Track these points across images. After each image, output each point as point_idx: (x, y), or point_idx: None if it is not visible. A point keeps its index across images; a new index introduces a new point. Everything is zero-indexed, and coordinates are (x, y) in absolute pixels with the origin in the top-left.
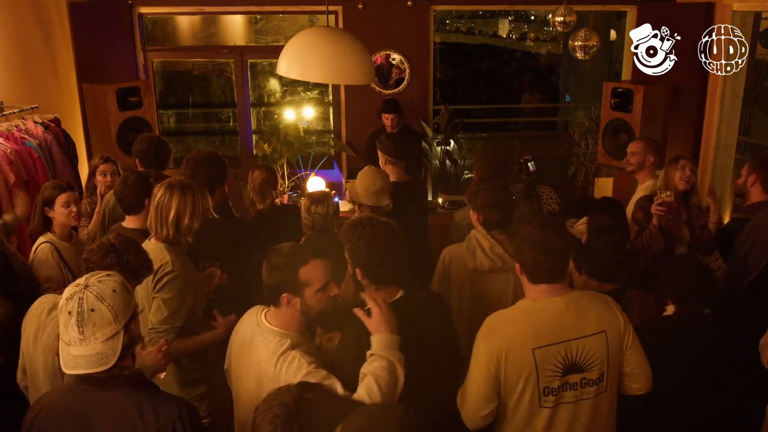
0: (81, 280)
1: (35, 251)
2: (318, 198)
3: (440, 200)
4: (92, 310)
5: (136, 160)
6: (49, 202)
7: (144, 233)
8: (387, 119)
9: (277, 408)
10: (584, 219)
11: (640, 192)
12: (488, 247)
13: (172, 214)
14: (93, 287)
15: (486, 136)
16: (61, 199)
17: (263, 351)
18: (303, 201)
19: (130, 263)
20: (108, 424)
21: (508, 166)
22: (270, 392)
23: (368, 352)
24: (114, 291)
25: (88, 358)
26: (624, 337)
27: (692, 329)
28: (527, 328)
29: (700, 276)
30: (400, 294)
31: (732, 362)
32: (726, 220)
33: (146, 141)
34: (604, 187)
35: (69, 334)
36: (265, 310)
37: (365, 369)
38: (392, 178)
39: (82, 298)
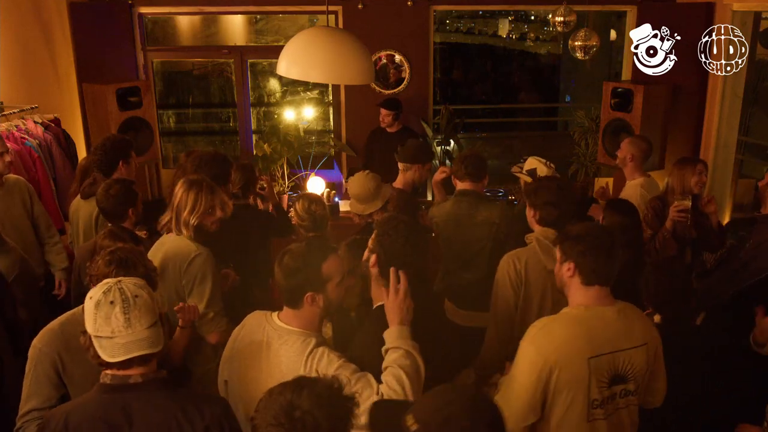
0: (110, 279)
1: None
2: (316, 199)
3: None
4: (136, 296)
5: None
6: None
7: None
8: (380, 115)
9: (273, 427)
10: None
11: (629, 189)
12: None
13: (186, 209)
14: (127, 280)
15: (486, 135)
16: None
17: (288, 353)
18: (300, 202)
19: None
20: (151, 429)
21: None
22: (264, 397)
23: (383, 348)
24: (146, 283)
25: (138, 342)
26: (657, 350)
27: (679, 335)
28: (583, 337)
29: (679, 282)
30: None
31: (722, 366)
32: (725, 220)
33: (102, 146)
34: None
35: (112, 324)
36: (275, 313)
37: (386, 362)
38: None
39: (122, 288)
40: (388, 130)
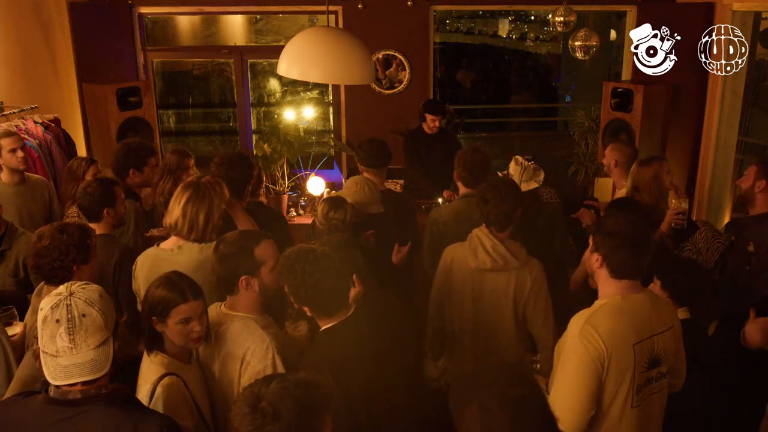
0: (62, 289)
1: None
2: (337, 203)
3: (440, 200)
4: (83, 315)
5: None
6: (162, 314)
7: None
8: (435, 121)
9: (239, 417)
10: None
11: (621, 194)
12: (490, 246)
13: (201, 217)
14: (79, 293)
15: (486, 135)
16: (182, 311)
17: (228, 333)
18: (321, 205)
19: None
20: None
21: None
22: (240, 391)
23: None
24: (101, 296)
25: (81, 366)
26: (679, 333)
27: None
28: (627, 324)
29: (700, 278)
30: (351, 312)
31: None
32: (725, 220)
33: (117, 151)
34: (604, 187)
35: (57, 344)
36: (223, 303)
37: None
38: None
39: (70, 304)
40: (428, 131)
